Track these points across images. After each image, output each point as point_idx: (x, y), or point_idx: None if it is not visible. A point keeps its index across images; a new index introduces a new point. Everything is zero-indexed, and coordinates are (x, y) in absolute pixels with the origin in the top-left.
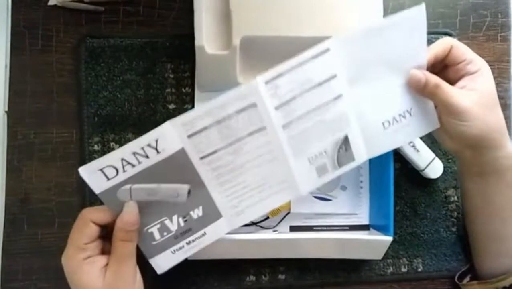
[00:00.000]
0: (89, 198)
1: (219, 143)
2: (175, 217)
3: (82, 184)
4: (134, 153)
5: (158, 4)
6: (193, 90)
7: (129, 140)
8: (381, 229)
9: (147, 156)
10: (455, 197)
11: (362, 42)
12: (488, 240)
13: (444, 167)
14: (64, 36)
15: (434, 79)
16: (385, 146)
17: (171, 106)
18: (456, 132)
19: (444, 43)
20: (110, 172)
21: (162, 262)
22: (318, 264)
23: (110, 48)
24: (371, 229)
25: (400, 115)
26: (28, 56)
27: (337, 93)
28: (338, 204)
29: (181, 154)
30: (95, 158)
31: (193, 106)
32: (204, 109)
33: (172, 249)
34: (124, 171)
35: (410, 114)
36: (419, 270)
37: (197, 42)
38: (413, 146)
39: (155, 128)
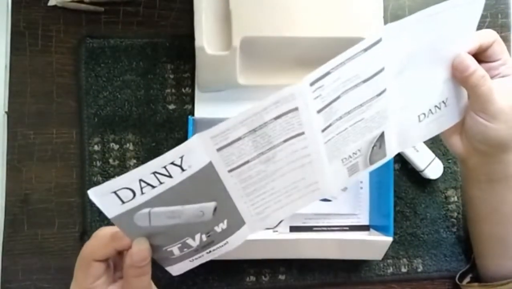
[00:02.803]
0: (89, 198)
1: (251, 153)
2: (198, 235)
3: (82, 185)
4: (155, 173)
5: (158, 4)
6: (193, 91)
7: (129, 141)
8: (381, 230)
9: (170, 176)
10: (455, 198)
11: (415, 29)
12: (494, 243)
13: (444, 168)
14: (64, 36)
15: (481, 69)
16: (417, 138)
17: (171, 107)
18: (479, 132)
19: (489, 35)
20: (126, 195)
21: (179, 269)
22: (318, 264)
23: (110, 48)
24: (371, 230)
25: (436, 106)
26: (28, 56)
27: (382, 88)
28: (338, 204)
29: (208, 169)
30: (95, 158)
31: (193, 107)
32: (239, 119)
33: (191, 258)
34: (142, 193)
35: (445, 105)
36: (419, 270)
37: (197, 43)
38: (413, 146)
39: (181, 144)
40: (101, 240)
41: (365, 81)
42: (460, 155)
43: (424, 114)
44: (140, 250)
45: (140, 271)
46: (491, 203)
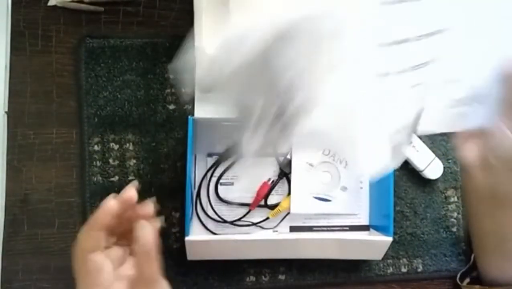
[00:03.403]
0: (89, 198)
1: None
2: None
3: (82, 185)
4: None
5: (158, 4)
6: (193, 91)
7: (129, 141)
8: (381, 230)
9: None
10: (455, 198)
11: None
12: (497, 253)
13: (444, 168)
14: (64, 36)
15: None
16: (439, 127)
17: (171, 107)
18: (505, 147)
19: None
20: None
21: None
22: (318, 264)
23: (110, 48)
24: (371, 230)
25: (471, 98)
26: (28, 56)
27: (439, 53)
28: (338, 204)
29: None
30: (95, 158)
31: (193, 107)
32: None
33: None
34: None
35: (481, 102)
36: (419, 270)
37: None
38: (413, 146)
39: None
40: (87, 234)
41: (428, 36)
42: (466, 164)
43: (458, 101)
44: (144, 233)
45: (149, 256)
46: (495, 218)
